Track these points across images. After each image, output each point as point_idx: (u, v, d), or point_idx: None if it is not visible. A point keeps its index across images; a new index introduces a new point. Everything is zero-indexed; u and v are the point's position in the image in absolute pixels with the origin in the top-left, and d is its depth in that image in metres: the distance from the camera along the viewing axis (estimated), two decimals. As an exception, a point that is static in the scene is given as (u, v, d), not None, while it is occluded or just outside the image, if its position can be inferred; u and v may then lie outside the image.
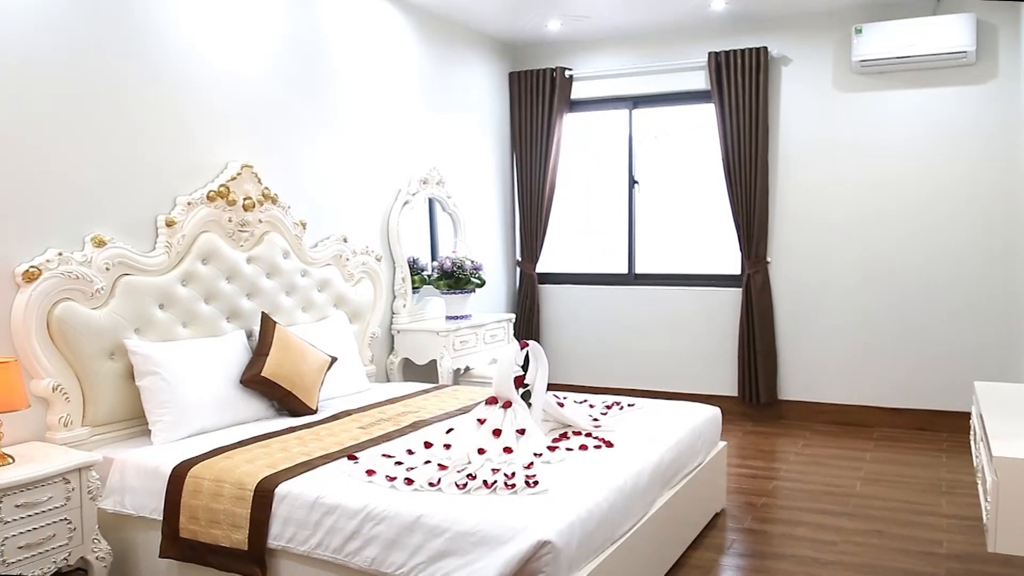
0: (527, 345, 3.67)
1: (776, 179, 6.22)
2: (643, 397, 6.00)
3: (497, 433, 3.30)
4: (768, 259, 6.25)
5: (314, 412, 4.15)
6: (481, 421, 3.40)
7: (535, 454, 3.21)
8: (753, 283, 6.19)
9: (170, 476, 3.23)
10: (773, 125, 6.19)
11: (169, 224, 3.98)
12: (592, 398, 4.34)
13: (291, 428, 3.79)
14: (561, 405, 3.77)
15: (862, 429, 5.90)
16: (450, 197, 6.12)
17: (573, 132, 7.00)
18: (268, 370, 4.00)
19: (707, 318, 6.49)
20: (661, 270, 6.76)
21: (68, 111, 3.59)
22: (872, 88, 5.89)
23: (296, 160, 4.80)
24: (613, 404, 4.18)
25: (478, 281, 5.75)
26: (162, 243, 3.96)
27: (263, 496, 2.98)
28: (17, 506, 2.97)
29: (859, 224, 5.99)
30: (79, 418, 3.58)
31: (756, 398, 6.22)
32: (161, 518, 3.21)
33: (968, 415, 5.65)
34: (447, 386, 4.88)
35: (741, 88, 6.13)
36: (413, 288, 5.72)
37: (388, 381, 5.53)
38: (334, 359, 4.39)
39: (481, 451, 3.19)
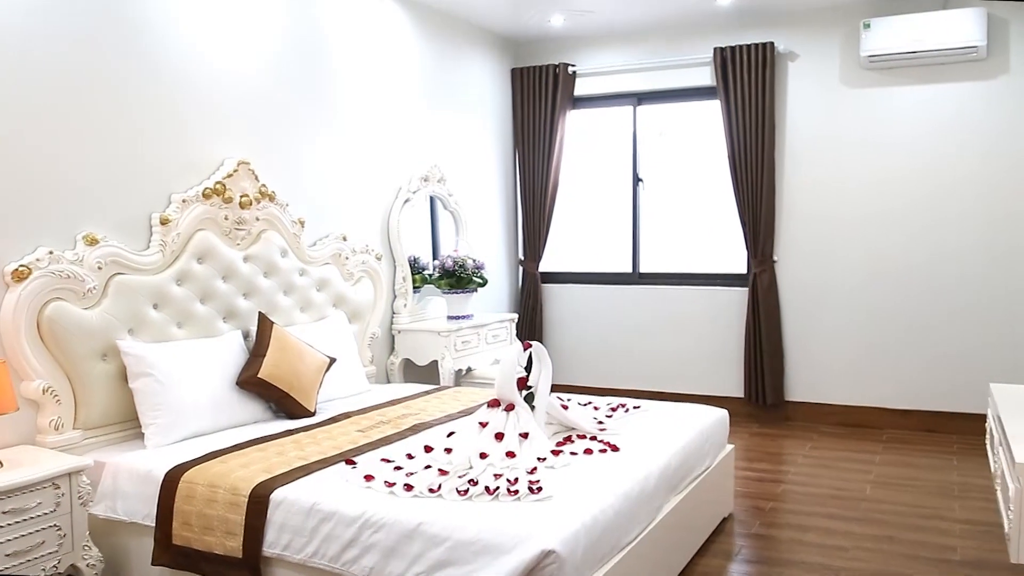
0: (530, 346, 3.57)
1: (783, 177, 6.12)
2: (648, 398, 5.91)
3: (500, 437, 3.21)
4: (775, 258, 6.16)
5: (312, 414, 4.06)
6: (483, 424, 3.30)
7: (539, 458, 3.11)
8: (759, 282, 6.10)
9: (163, 481, 3.13)
10: (780, 122, 6.09)
11: (163, 222, 3.89)
12: (597, 400, 4.25)
13: (288, 431, 3.70)
14: (565, 408, 3.68)
15: (870, 431, 5.80)
16: (451, 195, 6.03)
17: (576, 129, 6.90)
18: (265, 371, 3.91)
19: (712, 318, 6.40)
20: (666, 269, 6.66)
21: (61, 107, 3.50)
22: (880, 84, 5.80)
23: (294, 157, 4.71)
24: (618, 406, 4.09)
25: (480, 280, 5.66)
26: (156, 241, 3.87)
27: (258, 502, 2.88)
28: (5, 512, 2.88)
29: (867, 222, 5.90)
30: (70, 421, 3.50)
31: (762, 399, 6.12)
32: (154, 524, 3.12)
33: (979, 417, 5.56)
34: (448, 387, 4.79)
35: (747, 84, 6.03)
36: (414, 287, 5.63)
37: (388, 382, 5.45)
38: (333, 360, 4.30)
39: (483, 455, 3.09)
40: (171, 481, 3.12)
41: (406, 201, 5.56)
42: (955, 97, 5.60)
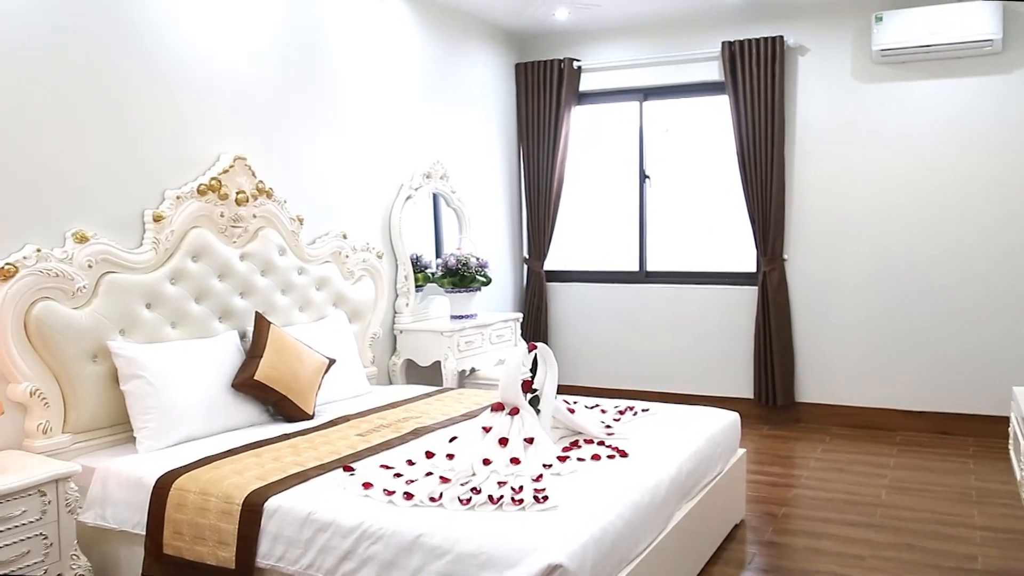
0: (535, 347, 3.44)
1: (793, 173, 6.00)
2: (655, 400, 5.80)
3: (504, 442, 3.08)
4: (784, 256, 6.03)
5: (311, 417, 3.94)
6: (486, 429, 3.17)
7: (544, 465, 2.98)
8: (769, 281, 5.97)
9: (153, 488, 3.02)
10: (789, 117, 5.97)
11: (157, 219, 3.77)
12: (604, 402, 4.12)
13: (285, 435, 3.58)
14: (572, 411, 3.54)
15: (883, 433, 5.67)
16: (454, 192, 5.91)
17: (582, 125, 6.79)
18: (261, 373, 3.79)
19: (721, 317, 6.28)
20: (673, 268, 6.55)
21: (50, 100, 3.38)
22: (893, 78, 5.66)
23: (292, 153, 4.59)
24: (626, 409, 3.95)
25: (484, 279, 5.54)
26: (149, 239, 3.75)
27: (251, 511, 2.76)
28: (-12, 521, 2.77)
29: (879, 220, 5.77)
30: (59, 425, 3.38)
31: (772, 400, 6.00)
32: (144, 533, 3.00)
33: (995, 419, 5.43)
34: (451, 389, 4.67)
35: (756, 79, 5.91)
36: (416, 286, 5.52)
37: (390, 383, 5.33)
38: (332, 361, 4.18)
39: (486, 462, 2.97)
40: (162, 488, 3.00)
41: (408, 198, 5.44)
42: (970, 92, 5.47)
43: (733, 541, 3.79)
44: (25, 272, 3.22)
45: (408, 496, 2.71)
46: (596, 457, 3.15)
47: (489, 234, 6.47)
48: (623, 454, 3.19)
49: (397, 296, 5.41)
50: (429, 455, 3.14)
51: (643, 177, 6.56)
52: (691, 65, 6.26)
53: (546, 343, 6.57)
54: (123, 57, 3.66)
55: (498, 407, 3.25)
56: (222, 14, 4.13)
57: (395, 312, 5.41)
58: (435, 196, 5.86)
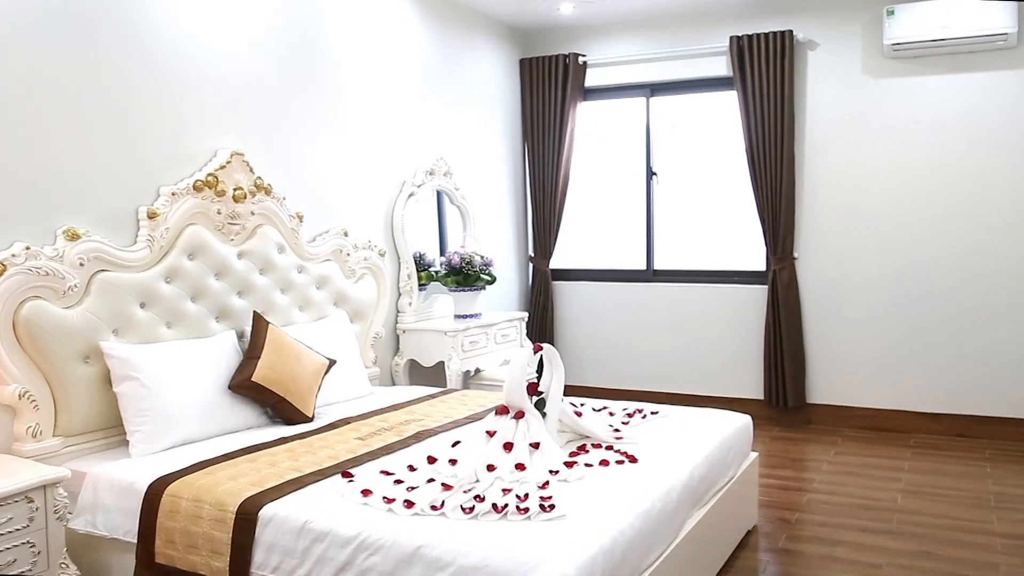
0: (541, 348, 3.33)
1: (803, 170, 5.88)
2: (663, 400, 5.71)
3: (508, 447, 2.97)
4: (795, 254, 5.92)
5: (310, 420, 3.83)
6: (490, 433, 3.05)
7: (551, 471, 2.87)
8: (779, 280, 5.86)
9: (145, 494, 2.91)
10: (799, 113, 5.85)
11: (151, 216, 3.66)
12: (612, 405, 4.00)
13: (283, 439, 3.47)
14: (579, 414, 3.42)
15: (897, 435, 5.54)
16: (458, 189, 5.80)
17: (587, 121, 6.69)
18: (259, 374, 3.68)
19: (731, 317, 6.16)
20: (681, 266, 6.43)
21: (41, 94, 3.27)
22: (905, 73, 5.54)
23: (292, 148, 4.49)
24: (635, 412, 3.83)
25: (488, 278, 5.43)
26: (143, 236, 3.64)
27: (246, 519, 2.65)
28: (-28, 529, 2.66)
29: (891, 217, 5.65)
30: (50, 428, 3.28)
31: (783, 401, 5.88)
32: (135, 541, 2.89)
33: (1012, 421, 5.31)
34: (455, 390, 4.56)
35: (765, 74, 5.80)
36: (419, 285, 5.42)
37: (393, 384, 5.23)
38: (332, 362, 4.07)
39: (490, 468, 2.85)
40: (154, 494, 2.89)
41: (411, 195, 5.33)
42: (984, 86, 5.34)
43: (745, 548, 3.68)
44: (14, 270, 3.12)
45: (409, 504, 2.59)
46: (604, 463, 3.04)
47: (494, 232, 6.36)
48: (632, 459, 3.08)
49: (400, 295, 5.30)
50: (431, 460, 3.02)
51: (650, 174, 6.45)
52: (698, 60, 6.15)
53: (552, 343, 6.50)
54: (116, 49, 3.55)
55: (502, 410, 3.14)
56: (220, 5, 4.02)
57: (398, 311, 5.31)
58: (439, 193, 5.76)
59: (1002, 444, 5.25)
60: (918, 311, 5.59)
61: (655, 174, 6.44)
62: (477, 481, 2.78)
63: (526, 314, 5.96)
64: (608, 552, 2.34)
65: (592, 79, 6.51)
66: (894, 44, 5.37)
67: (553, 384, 3.28)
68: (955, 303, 5.49)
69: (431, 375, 5.47)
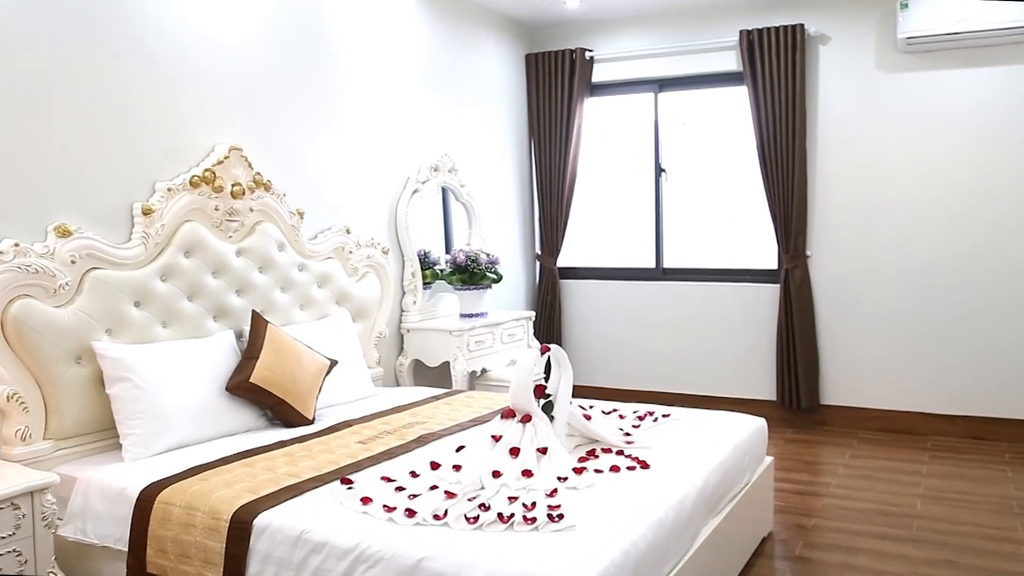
0: (548, 349, 3.20)
1: (815, 167, 5.75)
2: (672, 401, 5.58)
3: (515, 452, 2.84)
4: (808, 252, 5.78)
5: (311, 422, 3.72)
6: (496, 438, 2.93)
7: (559, 478, 2.74)
8: (792, 278, 5.73)
9: (136, 501, 2.80)
10: (811, 108, 5.72)
11: (146, 212, 3.55)
12: (622, 407, 3.87)
13: (281, 442, 3.35)
14: (588, 418, 3.30)
15: (914, 438, 5.40)
16: (463, 186, 5.68)
17: (595, 117, 6.56)
18: (258, 375, 3.57)
19: (742, 316, 6.03)
20: (691, 264, 6.31)
21: (31, 85, 3.16)
22: (920, 68, 5.40)
23: (292, 144, 4.37)
24: (646, 414, 3.70)
25: (494, 276, 5.31)
26: (138, 233, 3.54)
27: (240, 528, 2.54)
28: (-45, 538, 2.55)
29: (907, 216, 5.51)
30: (40, 431, 3.17)
31: (796, 403, 5.75)
32: (126, 550, 2.78)
33: (1032, 423, 5.17)
34: (460, 392, 4.44)
35: (776, 69, 5.67)
36: (424, 284, 5.31)
37: (397, 385, 5.12)
38: (334, 362, 3.96)
39: (496, 474, 2.73)
40: (145, 501, 2.78)
41: (415, 192, 5.22)
42: (1000, 81, 5.19)
43: (761, 557, 3.54)
44: (2, 268, 3.02)
45: (410, 513, 2.47)
46: (615, 469, 2.91)
47: (500, 229, 6.24)
48: (644, 465, 2.95)
49: (404, 294, 5.19)
50: (434, 466, 2.90)
51: (659, 171, 6.33)
52: (708, 55, 6.03)
53: (559, 342, 6.38)
54: (111, 41, 3.44)
55: (509, 414, 3.02)
56: (217, -4, 3.91)
57: (402, 310, 5.19)
58: (444, 190, 5.64)
59: (1022, 447, 5.11)
60: (934, 309, 5.46)
61: (664, 171, 6.32)
62: (482, 488, 2.66)
63: (533, 313, 5.84)
64: (620, 566, 2.21)
65: (599, 74, 6.40)
66: (908, 38, 5.23)
67: (561, 386, 3.16)
68: (971, 301, 5.35)
69: (436, 375, 5.36)
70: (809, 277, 5.78)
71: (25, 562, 2.73)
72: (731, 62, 5.95)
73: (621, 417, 3.68)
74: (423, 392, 4.42)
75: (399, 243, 5.15)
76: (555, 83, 6.40)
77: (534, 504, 2.51)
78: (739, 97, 5.95)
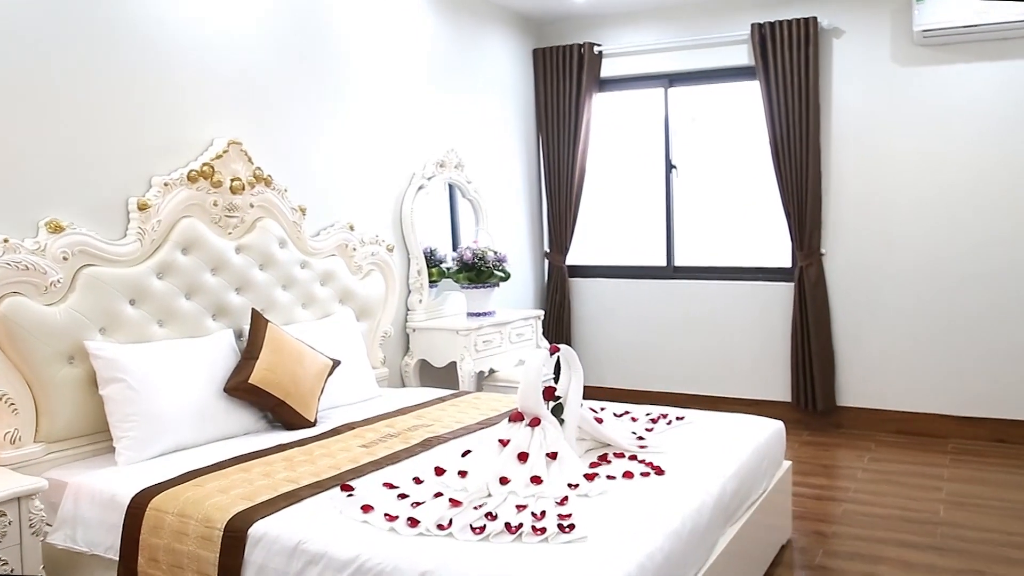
0: (557, 349, 3.08)
1: (829, 163, 5.62)
2: (685, 403, 5.45)
3: (523, 457, 2.71)
4: (822, 250, 5.65)
5: (312, 425, 3.60)
6: (503, 442, 2.80)
7: (569, 484, 2.61)
8: (806, 276, 5.59)
9: (128, 507, 2.68)
10: (825, 103, 5.59)
11: (142, 207, 3.43)
12: (634, 409, 3.73)
13: (281, 446, 3.23)
14: (599, 421, 3.16)
15: (933, 440, 5.25)
16: (470, 182, 5.56)
17: (604, 113, 6.44)
18: (257, 376, 3.45)
19: (755, 315, 5.90)
20: (703, 262, 6.19)
21: (21, 74, 3.05)
22: (937, 62, 5.26)
23: (294, 138, 4.25)
24: (659, 417, 3.57)
25: (502, 274, 5.19)
26: (134, 229, 3.42)
27: (234, 537, 2.41)
28: (-63, 546, 2.43)
29: (925, 212, 5.37)
30: (30, 433, 3.05)
31: (812, 404, 5.61)
32: (117, 558, 2.66)
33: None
34: (467, 393, 4.31)
35: (788, 63, 5.54)
36: (430, 282, 5.19)
37: (403, 385, 5.00)
38: (336, 363, 3.84)
39: (504, 481, 2.60)
40: (137, 508, 2.66)
41: (420, 188, 5.10)
42: (1021, 74, 5.04)
43: (780, 566, 3.41)
44: (-9, 265, 2.90)
45: (413, 522, 2.34)
46: (628, 475, 2.78)
47: (508, 227, 6.12)
48: (659, 471, 2.82)
49: (409, 292, 5.08)
50: (439, 472, 2.77)
51: (669, 167, 6.21)
52: (719, 49, 5.91)
53: (568, 342, 6.26)
54: (105, 30, 3.33)
55: (516, 417, 2.89)
56: (216, -16, 3.80)
57: (407, 309, 5.08)
58: (450, 187, 5.53)
59: (1046, 450, 4.98)
60: (952, 308, 5.31)
61: (675, 167, 6.21)
62: (489, 496, 2.54)
63: (542, 312, 5.72)
64: (635, 580, 2.08)
65: (608, 69, 6.29)
66: (924, 31, 5.09)
67: (571, 388, 3.03)
68: (991, 299, 5.20)
69: (443, 376, 5.24)
70: (824, 275, 5.65)
71: (12, 571, 2.61)
72: (743, 56, 5.82)
73: (633, 420, 3.55)
74: (429, 393, 4.30)
75: (404, 240, 5.04)
76: (563, 78, 6.30)
77: (544, 513, 2.38)
78: (751, 92, 5.84)
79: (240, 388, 3.42)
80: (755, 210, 6.02)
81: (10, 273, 2.95)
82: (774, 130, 5.63)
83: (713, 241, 6.20)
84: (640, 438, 3.20)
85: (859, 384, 5.61)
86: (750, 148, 5.94)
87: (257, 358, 3.50)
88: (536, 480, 2.61)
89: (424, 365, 5.15)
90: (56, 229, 3.13)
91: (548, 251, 6.52)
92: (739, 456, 3.06)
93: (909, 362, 5.45)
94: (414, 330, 5.05)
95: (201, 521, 2.51)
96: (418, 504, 2.49)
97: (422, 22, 5.19)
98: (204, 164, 3.67)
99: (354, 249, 4.51)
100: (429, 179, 5.17)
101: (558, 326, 6.39)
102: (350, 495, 2.59)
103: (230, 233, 3.81)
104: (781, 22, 5.52)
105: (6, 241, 2.96)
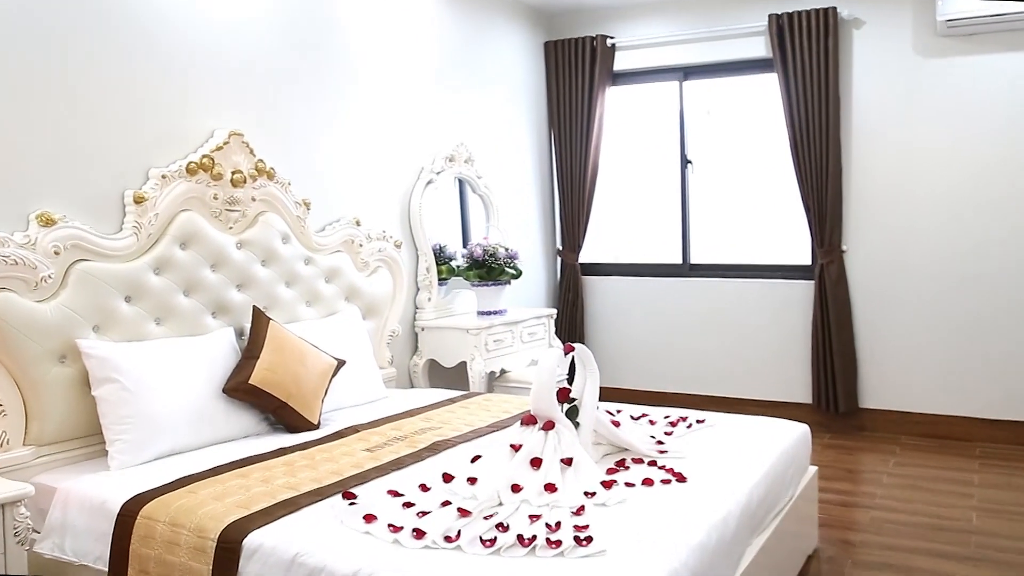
0: (572, 349, 2.92)
1: (850, 157, 5.45)
2: (702, 404, 5.30)
3: (536, 463, 2.56)
4: (844, 247, 5.48)
5: (315, 427, 3.46)
6: (515, 447, 2.65)
7: (586, 493, 2.45)
8: (827, 274, 5.43)
9: (118, 515, 2.54)
10: (845, 96, 5.42)
11: (138, 200, 3.30)
12: (652, 412, 3.57)
13: (282, 449, 3.09)
14: (616, 424, 3.00)
15: (960, 444, 5.07)
16: (480, 177, 5.42)
17: (617, 107, 6.31)
18: (257, 376, 3.31)
19: (774, 314, 5.74)
20: (720, 260, 6.04)
21: (10, 61, 2.92)
22: (961, 52, 5.09)
23: (298, 130, 4.12)
24: (678, 420, 3.40)
25: (513, 271, 5.05)
26: (130, 223, 3.29)
27: (228, 549, 2.27)
28: (-86, 557, 2.29)
29: (950, 207, 5.20)
30: (19, 436, 2.93)
31: (833, 406, 5.45)
32: (106, 569, 2.52)
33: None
34: (477, 394, 4.17)
35: (807, 55, 5.39)
36: (440, 279, 5.06)
37: (411, 386, 4.87)
38: (341, 363, 3.70)
39: (516, 488, 2.45)
40: (127, 516, 2.52)
41: (429, 182, 4.96)
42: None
43: (807, 577, 3.25)
44: (-22, 259, 2.77)
45: (419, 534, 2.19)
46: (648, 482, 2.61)
47: (519, 223, 5.98)
48: (680, 478, 2.65)
49: (418, 290, 4.94)
50: (447, 478, 2.61)
51: (684, 162, 6.07)
52: (735, 41, 5.77)
53: (582, 342, 6.10)
54: (100, 15, 3.20)
55: (529, 420, 2.73)
56: (216, -31, 3.66)
57: (416, 307, 4.95)
58: (460, 182, 5.39)
59: (1078, 455, 4.79)
60: (978, 306, 5.13)
61: (690, 162, 6.07)
62: (500, 504, 2.38)
63: (555, 311, 5.58)
64: (659, 598, 1.92)
65: (621, 62, 6.15)
66: (949, 20, 4.92)
67: (587, 389, 2.87)
68: (1019, 298, 5.02)
69: (452, 376, 5.10)
70: (845, 273, 5.48)
71: (-5, 582, 2.47)
72: (760, 48, 5.68)
73: (651, 423, 3.39)
74: (438, 394, 4.16)
75: (413, 236, 4.90)
76: (575, 72, 6.18)
77: (559, 524, 2.22)
78: (768, 85, 5.70)
79: (240, 389, 3.28)
80: (773, 206, 5.88)
81: (-1, 268, 2.82)
82: (793, 124, 5.49)
83: (730, 238, 6.06)
84: (659, 442, 3.03)
85: (882, 385, 5.44)
86: (768, 142, 5.80)
87: (258, 357, 3.36)
88: (550, 488, 2.45)
89: (433, 365, 5.02)
90: (47, 222, 3.00)
91: (560, 248, 6.39)
92: (765, 461, 2.89)
93: (933, 362, 5.28)
94: (423, 329, 4.92)
95: (194, 531, 2.36)
96: (424, 514, 2.33)
97: (431, 13, 5.05)
98: (204, 156, 3.54)
99: (360, 245, 4.37)
100: (438, 174, 5.03)
101: (571, 325, 6.25)
102: (352, 503, 2.44)
103: (231, 228, 3.67)
104: (799, 12, 5.37)
105: (-6, 234, 2.83)
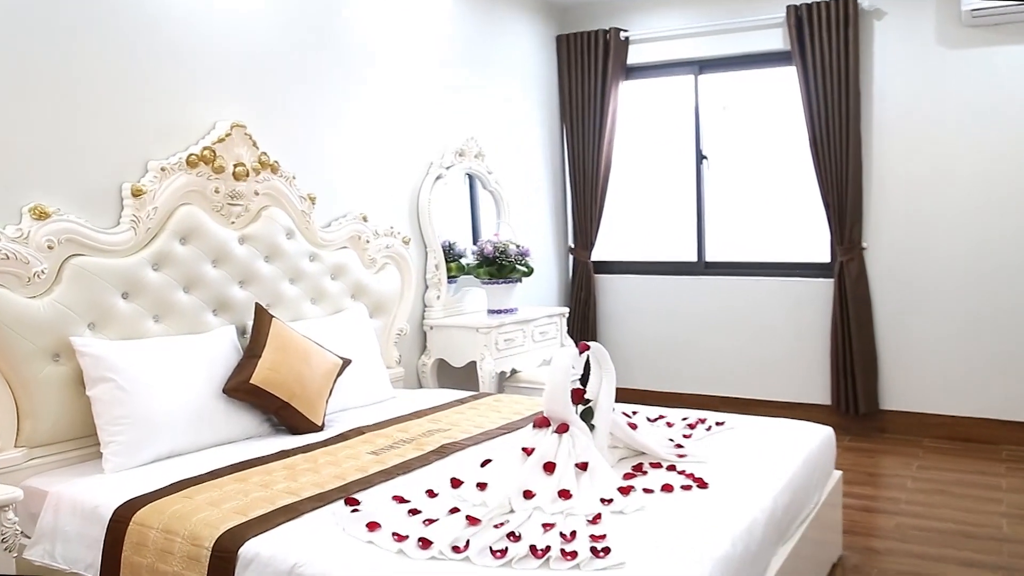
0: (587, 348, 2.79)
1: (871, 152, 5.32)
2: (719, 406, 5.18)
3: (550, 468, 2.43)
4: (864, 244, 5.35)
5: (319, 429, 3.34)
6: (527, 451, 2.52)
7: (602, 500, 2.32)
8: (847, 272, 5.30)
9: (110, 521, 2.43)
10: (866, 89, 5.30)
11: (136, 194, 3.19)
12: (669, 413, 3.43)
13: (284, 452, 2.98)
14: (633, 427, 2.87)
15: (985, 447, 4.92)
16: (491, 173, 5.31)
17: (631, 101, 6.20)
18: (259, 376, 3.19)
19: (792, 313, 5.61)
20: (736, 258, 5.92)
21: (4, 48, 2.81)
22: (986, 43, 4.95)
23: (303, 122, 4.01)
24: (697, 422, 3.27)
25: (525, 269, 4.94)
26: (127, 217, 3.18)
27: (223, 558, 2.15)
28: None
29: (973, 204, 5.06)
30: (11, 437, 2.83)
31: (854, 408, 5.31)
32: (98, 578, 2.40)
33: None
34: (487, 395, 4.05)
35: (826, 47, 5.27)
36: (449, 277, 4.96)
37: (420, 386, 4.77)
38: (347, 362, 3.58)
39: (528, 494, 2.32)
40: (119, 522, 2.40)
41: (438, 178, 4.85)
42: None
43: (832, 586, 3.11)
44: (-33, 253, 2.66)
45: (425, 544, 2.06)
46: (667, 488, 2.48)
47: (531, 220, 5.87)
48: (701, 484, 2.52)
49: (427, 288, 4.84)
50: (455, 484, 2.49)
51: (700, 158, 5.96)
52: (752, 33, 5.65)
53: (595, 341, 5.97)
54: (96, 7, 3.08)
55: (542, 422, 2.60)
56: (218, -45, 3.54)
57: (424, 306, 4.84)
58: (470, 178, 5.28)
59: (1108, 458, 4.64)
60: (1003, 305, 5.00)
61: (705, 158, 5.96)
62: (511, 512, 2.25)
63: (567, 309, 5.47)
64: (682, 615, 1.79)
65: (635, 56, 6.05)
66: (973, 10, 4.78)
67: (603, 390, 2.74)
68: (1048, 298, 4.89)
69: (462, 376, 5.00)
70: (866, 270, 5.36)
71: (-18, 591, 2.36)
72: (777, 40, 5.57)
73: (669, 425, 3.26)
74: (447, 395, 4.05)
75: (421, 233, 4.79)
76: (588, 65, 6.08)
77: (574, 534, 2.09)
78: (787, 78, 5.58)
79: (241, 389, 3.17)
80: (791, 202, 5.76)
81: (-11, 262, 2.71)
82: (812, 118, 5.37)
83: (747, 235, 5.95)
84: (679, 446, 2.90)
85: (903, 386, 5.30)
86: (786, 137, 5.69)
87: (260, 356, 3.25)
88: (564, 494, 2.32)
89: (442, 365, 4.92)
90: (41, 215, 2.89)
91: (573, 246, 6.28)
92: (790, 466, 2.75)
93: (956, 363, 5.14)
94: (431, 327, 4.81)
95: (188, 538, 2.24)
96: (431, 521, 2.20)
97: (441, 4, 4.94)
98: (205, 148, 3.43)
99: (367, 241, 4.25)
100: (447, 169, 4.92)
101: (584, 324, 6.14)
102: (355, 510, 2.32)
103: (233, 222, 3.56)
104: (819, 3, 5.27)
105: (-16, 228, 2.72)
